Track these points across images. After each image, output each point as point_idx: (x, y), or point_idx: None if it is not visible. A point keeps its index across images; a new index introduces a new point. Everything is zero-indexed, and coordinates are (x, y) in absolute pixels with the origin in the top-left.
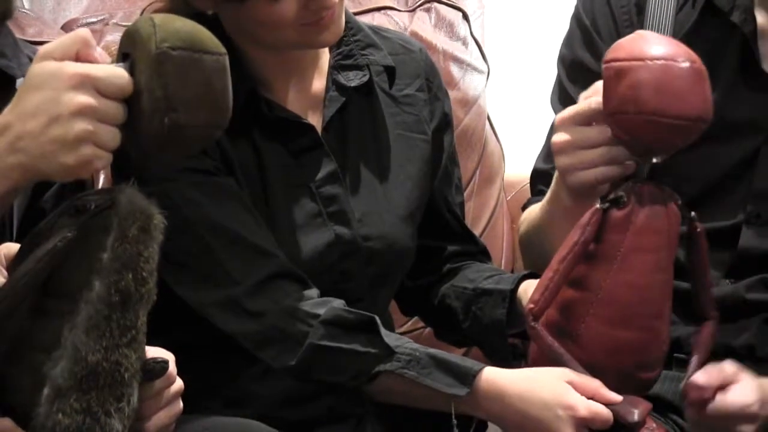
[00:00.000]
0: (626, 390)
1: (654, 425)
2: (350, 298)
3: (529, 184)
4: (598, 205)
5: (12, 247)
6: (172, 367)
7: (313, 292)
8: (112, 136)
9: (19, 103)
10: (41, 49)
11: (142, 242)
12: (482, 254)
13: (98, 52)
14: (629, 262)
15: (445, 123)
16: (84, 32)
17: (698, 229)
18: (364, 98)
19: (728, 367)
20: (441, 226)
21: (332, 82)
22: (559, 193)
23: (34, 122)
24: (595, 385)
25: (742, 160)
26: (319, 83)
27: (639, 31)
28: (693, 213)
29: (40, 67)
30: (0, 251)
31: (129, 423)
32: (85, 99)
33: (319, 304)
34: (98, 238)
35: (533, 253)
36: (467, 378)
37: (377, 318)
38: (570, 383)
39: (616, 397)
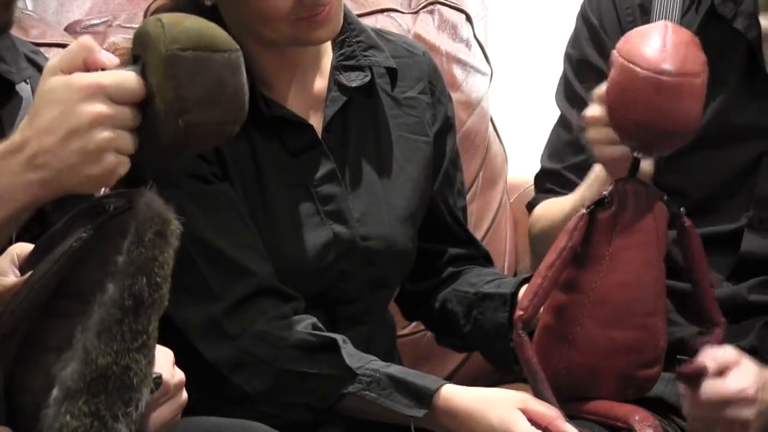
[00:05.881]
0: (628, 391)
1: (656, 422)
2: (348, 299)
3: (533, 185)
4: (584, 210)
5: (25, 247)
6: (171, 361)
7: (290, 308)
8: (129, 141)
9: (33, 120)
10: (48, 63)
11: (158, 247)
12: (484, 258)
13: (105, 56)
14: (618, 261)
15: (448, 126)
16: (86, 39)
17: (687, 224)
18: (366, 99)
19: (729, 352)
20: (442, 229)
21: (334, 82)
22: (598, 177)
23: (50, 138)
24: (552, 414)
25: (745, 166)
26: (320, 84)
27: (658, 24)
28: (682, 209)
29: (50, 83)
30: (13, 251)
31: (135, 427)
32: (99, 108)
33: (288, 326)
34: (114, 241)
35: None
36: (425, 398)
37: (339, 338)
38: (524, 410)
39: (572, 429)
